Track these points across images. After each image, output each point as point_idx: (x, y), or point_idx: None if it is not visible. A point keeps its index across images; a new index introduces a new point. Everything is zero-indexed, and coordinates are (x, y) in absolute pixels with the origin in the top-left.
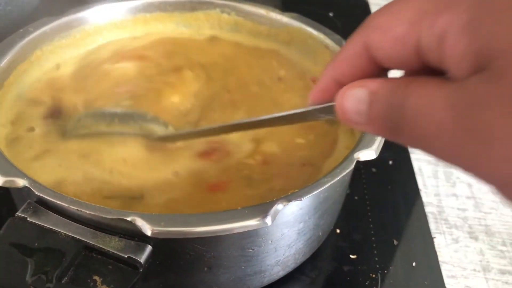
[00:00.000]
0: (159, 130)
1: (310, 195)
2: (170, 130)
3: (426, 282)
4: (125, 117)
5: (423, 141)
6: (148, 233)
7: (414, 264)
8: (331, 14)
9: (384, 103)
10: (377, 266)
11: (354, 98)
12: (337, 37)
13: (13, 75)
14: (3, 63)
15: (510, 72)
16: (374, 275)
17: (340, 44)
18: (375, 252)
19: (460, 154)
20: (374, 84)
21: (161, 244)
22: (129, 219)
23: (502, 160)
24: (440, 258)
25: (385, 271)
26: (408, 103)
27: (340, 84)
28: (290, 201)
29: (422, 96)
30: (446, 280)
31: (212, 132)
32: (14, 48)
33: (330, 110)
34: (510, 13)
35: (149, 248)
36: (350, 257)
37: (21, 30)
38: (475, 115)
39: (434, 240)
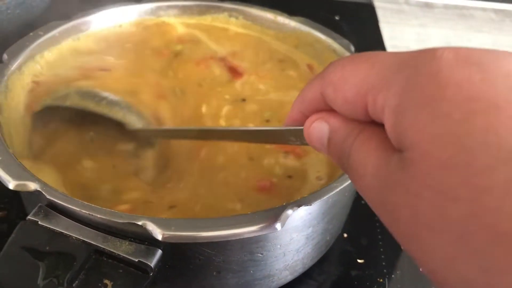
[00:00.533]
0: (139, 124)
1: (319, 200)
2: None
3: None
4: (113, 103)
5: (358, 190)
6: (159, 237)
7: (421, 269)
8: (337, 18)
9: (337, 145)
10: (385, 270)
11: (318, 130)
12: (345, 41)
13: (23, 77)
14: (14, 66)
15: (415, 165)
16: (381, 280)
17: (348, 49)
18: (383, 256)
19: (380, 216)
20: (335, 122)
21: (171, 248)
22: (140, 223)
23: (402, 238)
24: None
25: (393, 276)
26: (352, 157)
27: (307, 116)
28: (299, 206)
29: (362, 156)
30: None
31: (186, 134)
32: (24, 51)
33: (300, 135)
34: (427, 108)
35: (159, 252)
36: (357, 261)
37: (31, 33)
38: (387, 195)
39: None
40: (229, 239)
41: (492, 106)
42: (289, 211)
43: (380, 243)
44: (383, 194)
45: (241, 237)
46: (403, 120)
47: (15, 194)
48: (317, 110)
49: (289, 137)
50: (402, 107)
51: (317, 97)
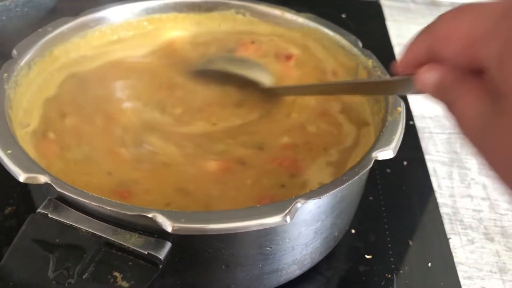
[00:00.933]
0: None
1: (328, 193)
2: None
3: (442, 283)
4: (252, 65)
5: (460, 131)
6: (169, 229)
7: (429, 264)
8: (343, 16)
9: (444, 92)
10: (393, 266)
11: (429, 77)
12: (353, 37)
13: (32, 73)
14: (24, 61)
15: (506, 115)
16: (389, 276)
17: (355, 45)
18: (390, 252)
19: (478, 154)
20: (443, 71)
21: (180, 241)
22: (150, 215)
23: (494, 172)
24: (455, 259)
25: (401, 272)
26: (456, 104)
27: (413, 67)
28: (308, 199)
29: (464, 103)
30: (462, 281)
31: (305, 91)
32: (34, 47)
33: (409, 84)
34: None
35: (168, 244)
36: (365, 257)
37: (40, 29)
38: (484, 138)
39: (450, 241)
40: (239, 231)
41: None
42: (298, 204)
43: (388, 239)
44: (481, 137)
45: (250, 229)
46: (504, 70)
47: (24, 190)
48: (422, 62)
49: (399, 87)
50: (504, 56)
51: (425, 49)
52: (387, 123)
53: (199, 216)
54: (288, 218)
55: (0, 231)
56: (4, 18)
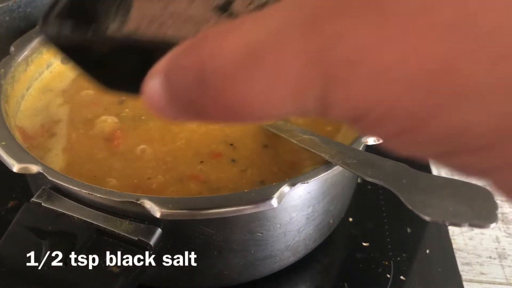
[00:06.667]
0: None
1: (317, 178)
2: None
3: (440, 269)
4: None
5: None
6: (157, 214)
7: (427, 251)
8: None
9: (176, 75)
10: (390, 253)
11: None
12: None
13: (30, 69)
14: (21, 57)
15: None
16: (387, 263)
17: None
18: (388, 239)
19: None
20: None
21: (171, 227)
22: (138, 201)
23: None
24: (454, 246)
25: (398, 258)
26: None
27: None
28: (295, 183)
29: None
30: (461, 267)
31: None
32: (31, 43)
33: None
34: None
35: (158, 231)
36: (362, 244)
37: (37, 26)
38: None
39: (448, 228)
40: (226, 216)
41: None
42: (286, 189)
43: (386, 226)
44: None
45: (238, 214)
46: None
47: (26, 184)
48: None
49: None
50: None
51: None
52: None
53: (187, 201)
54: (275, 202)
55: (3, 224)
56: (7, 18)
